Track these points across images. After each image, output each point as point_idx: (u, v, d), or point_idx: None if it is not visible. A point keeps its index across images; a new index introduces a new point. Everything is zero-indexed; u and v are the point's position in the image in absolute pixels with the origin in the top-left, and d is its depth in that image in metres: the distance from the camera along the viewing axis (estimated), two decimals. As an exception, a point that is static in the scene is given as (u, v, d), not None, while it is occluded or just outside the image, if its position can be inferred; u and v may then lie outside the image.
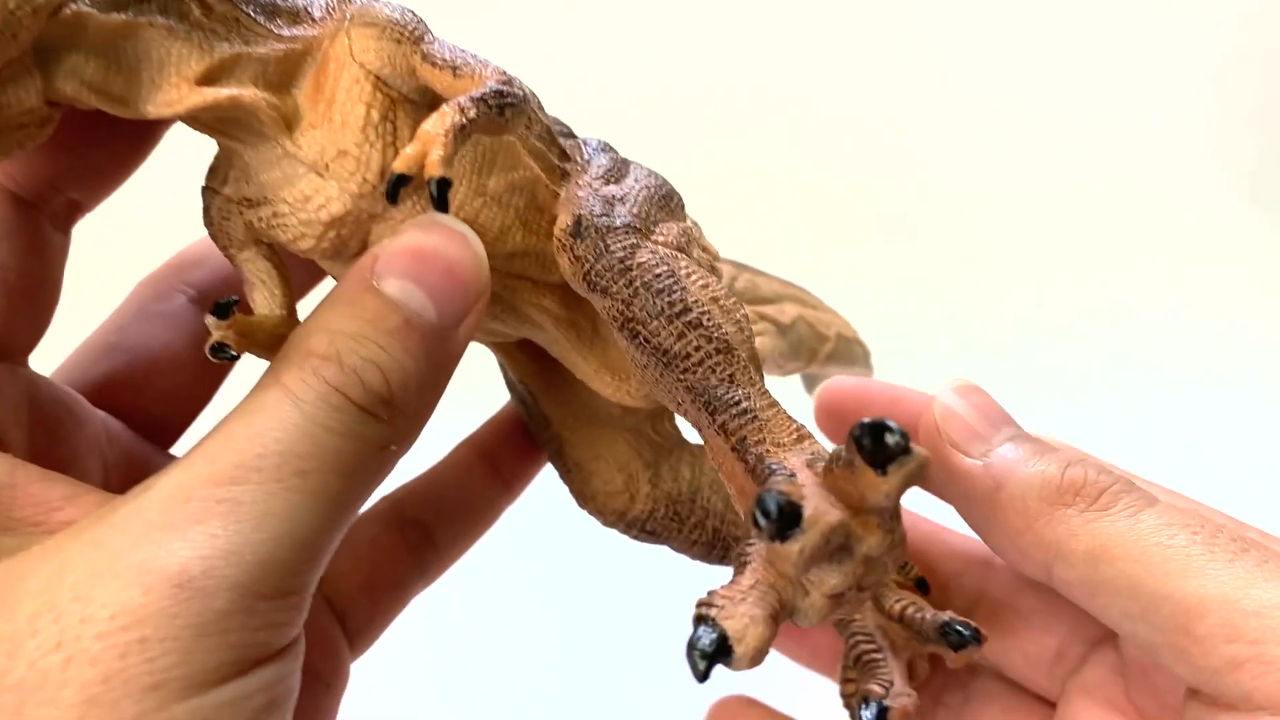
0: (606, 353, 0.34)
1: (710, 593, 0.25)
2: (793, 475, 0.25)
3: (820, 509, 0.23)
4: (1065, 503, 0.29)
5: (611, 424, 0.37)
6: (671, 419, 0.38)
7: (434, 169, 0.24)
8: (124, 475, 0.35)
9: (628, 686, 0.59)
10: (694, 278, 0.30)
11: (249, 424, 0.26)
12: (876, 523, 0.25)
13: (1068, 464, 0.30)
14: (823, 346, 0.46)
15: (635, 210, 0.31)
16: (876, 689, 0.36)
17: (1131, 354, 0.86)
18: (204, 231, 0.31)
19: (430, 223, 0.29)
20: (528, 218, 0.31)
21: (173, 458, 0.35)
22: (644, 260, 0.29)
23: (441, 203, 0.24)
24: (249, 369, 0.31)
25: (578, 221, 0.30)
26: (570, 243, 0.30)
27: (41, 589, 0.24)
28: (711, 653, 0.23)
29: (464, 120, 0.25)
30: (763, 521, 0.23)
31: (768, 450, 0.28)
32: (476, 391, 0.43)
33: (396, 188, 0.25)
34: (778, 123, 0.99)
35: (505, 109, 0.26)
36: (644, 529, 0.37)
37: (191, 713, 0.24)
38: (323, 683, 0.38)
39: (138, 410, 0.36)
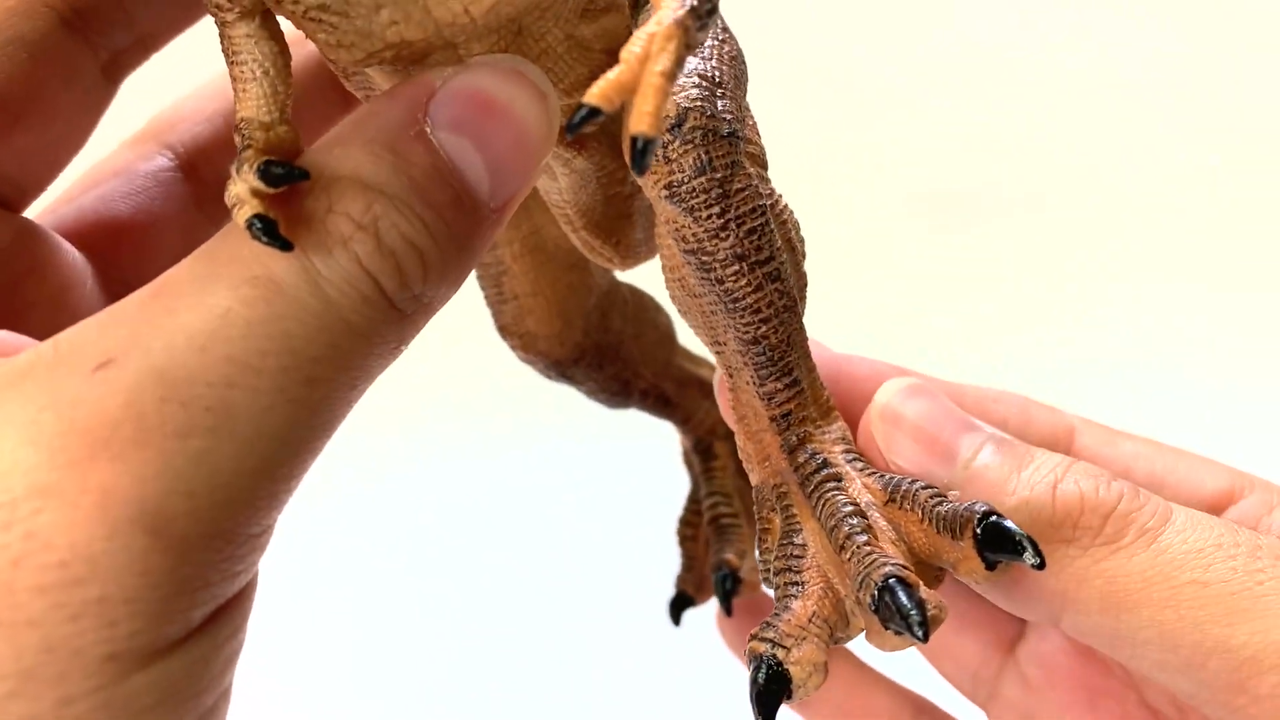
0: (604, 211, 0.30)
1: (767, 625, 0.23)
2: (869, 524, 0.24)
3: (939, 606, 0.22)
4: (1064, 538, 0.24)
5: (559, 260, 0.33)
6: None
7: (643, 124, 0.18)
8: None
9: (626, 684, 0.57)
10: (778, 210, 0.26)
11: (250, 301, 0.20)
12: (934, 575, 0.24)
13: (1054, 484, 0.25)
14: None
15: (734, 108, 0.25)
16: (731, 559, 0.37)
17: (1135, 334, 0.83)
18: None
19: (510, 69, 0.22)
20: (601, 70, 0.25)
21: None
22: (741, 187, 0.25)
23: (642, 168, 0.19)
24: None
25: (682, 115, 0.24)
26: (665, 138, 0.24)
27: None
28: (777, 698, 0.23)
29: (685, 50, 0.19)
30: (897, 622, 0.22)
31: (808, 433, 0.26)
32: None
33: (583, 122, 0.18)
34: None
35: (712, 13, 0.20)
36: (564, 373, 0.35)
37: (155, 683, 0.19)
38: None
39: (116, 282, 0.28)
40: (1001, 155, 0.86)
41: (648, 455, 0.49)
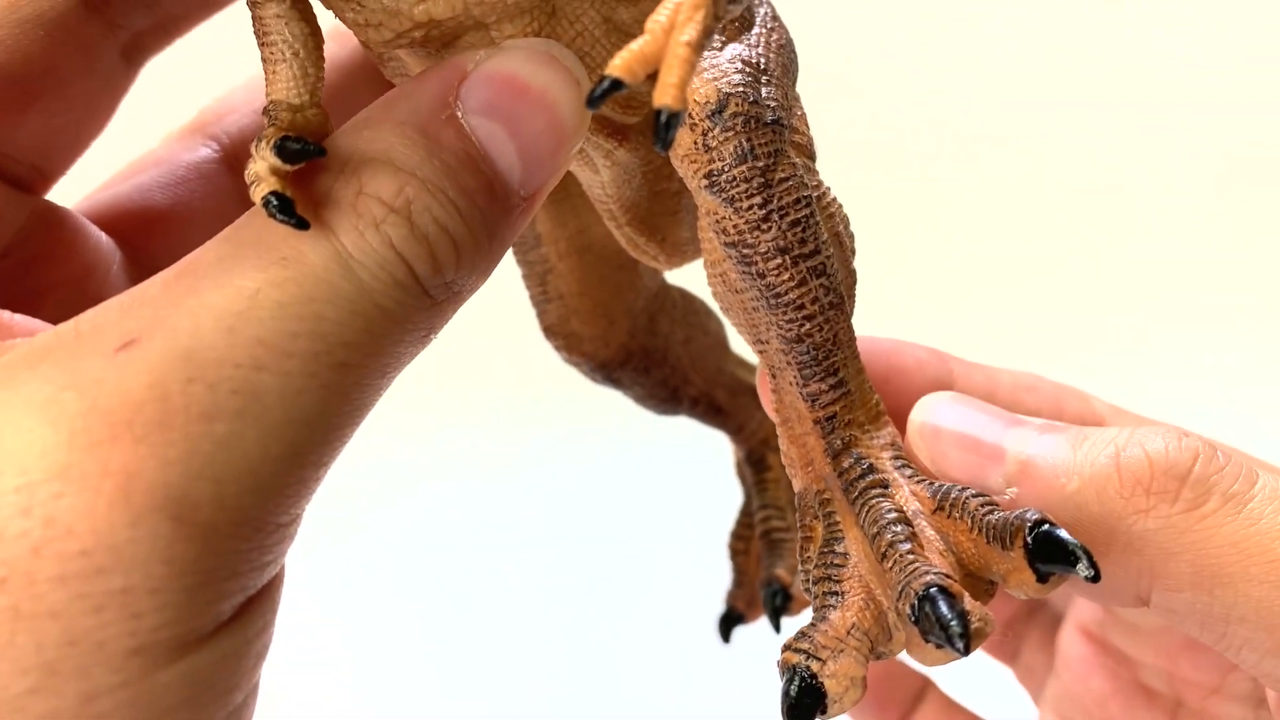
0: (649, 207, 0.29)
1: (803, 634, 0.22)
2: (914, 532, 0.23)
3: (984, 619, 0.21)
4: (1138, 508, 0.22)
5: (606, 260, 0.32)
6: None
7: (667, 96, 0.17)
8: None
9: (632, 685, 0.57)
10: (825, 203, 0.25)
11: (279, 283, 0.19)
12: (984, 588, 0.23)
13: (1116, 454, 0.22)
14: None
15: (779, 95, 0.24)
16: (782, 574, 0.36)
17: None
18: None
19: (543, 53, 0.22)
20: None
21: None
22: (785, 177, 0.24)
23: (666, 142, 0.18)
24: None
25: (724, 102, 0.23)
26: (706, 125, 0.23)
27: None
28: (810, 712, 0.21)
29: (713, 21, 0.18)
30: (936, 634, 0.21)
31: (854, 437, 0.25)
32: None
33: (604, 95, 0.18)
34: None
35: None
36: (609, 376, 0.34)
37: (182, 678, 0.19)
38: None
39: (146, 270, 0.27)
40: (1045, 144, 0.85)
41: (699, 464, 0.48)
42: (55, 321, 0.21)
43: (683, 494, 0.61)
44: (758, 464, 0.38)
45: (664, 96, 0.17)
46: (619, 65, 0.18)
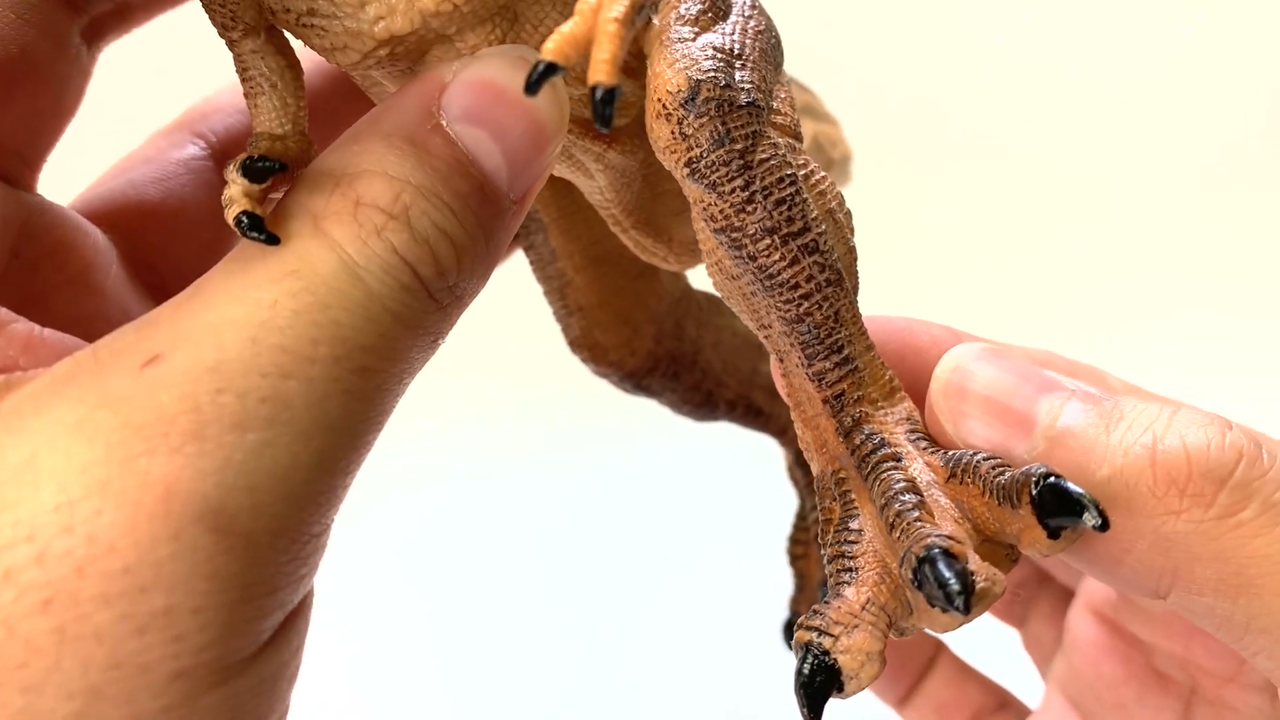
0: (653, 208, 0.29)
1: (816, 611, 0.22)
2: (922, 500, 0.22)
3: (991, 579, 0.20)
4: (1169, 509, 0.20)
5: (623, 269, 0.32)
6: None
7: (600, 73, 0.18)
8: None
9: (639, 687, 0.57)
10: (813, 181, 0.25)
11: (294, 293, 0.19)
12: (1004, 554, 0.22)
13: (1153, 444, 0.21)
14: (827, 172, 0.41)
15: (756, 78, 0.24)
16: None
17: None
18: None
19: (516, 57, 0.22)
20: None
21: None
22: (766, 157, 0.24)
23: (604, 119, 0.18)
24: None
25: (695, 89, 0.23)
26: (680, 114, 0.24)
27: (2, 496, 0.18)
28: (824, 690, 0.21)
29: None
30: (936, 595, 0.20)
31: (865, 414, 0.24)
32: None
33: (541, 80, 0.18)
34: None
35: None
36: (638, 384, 0.34)
37: (223, 702, 0.18)
38: None
39: (141, 266, 0.28)
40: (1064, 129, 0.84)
41: (742, 465, 0.48)
42: (65, 321, 0.22)
43: (726, 496, 0.60)
44: (808, 465, 0.37)
45: (597, 73, 0.18)
46: (551, 49, 0.18)
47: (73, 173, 0.28)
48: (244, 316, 0.19)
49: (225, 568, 0.18)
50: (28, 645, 0.17)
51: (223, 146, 0.30)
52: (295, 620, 0.20)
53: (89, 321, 0.25)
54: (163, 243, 0.28)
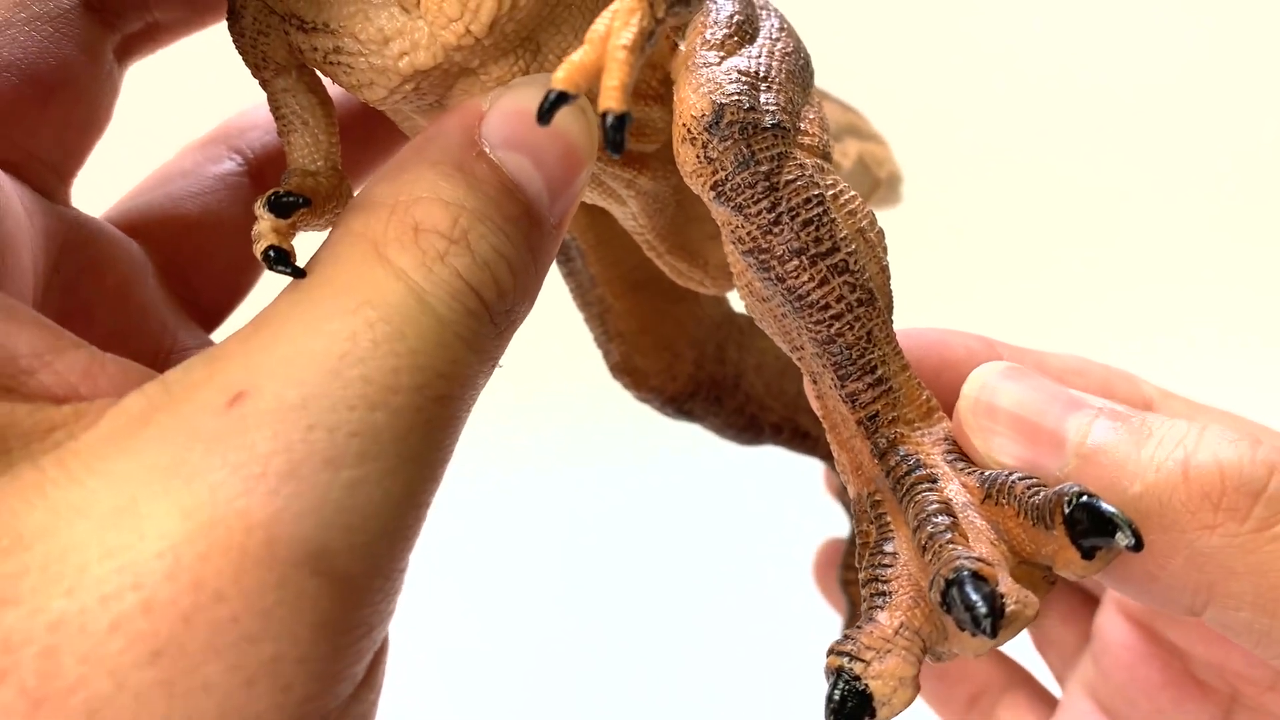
0: (687, 232, 0.29)
1: (848, 636, 0.21)
2: (956, 522, 0.22)
3: (1024, 602, 0.20)
4: (1204, 524, 0.20)
5: (663, 294, 0.32)
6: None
7: (611, 101, 0.18)
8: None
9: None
10: (842, 201, 0.25)
11: (371, 323, 0.19)
12: (1042, 576, 0.22)
13: (1184, 460, 0.21)
14: (873, 193, 0.41)
15: (782, 100, 0.24)
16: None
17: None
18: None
19: (548, 86, 0.22)
20: (639, 76, 0.24)
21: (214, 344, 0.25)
22: (792, 179, 0.24)
23: (616, 145, 0.18)
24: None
25: (719, 112, 0.23)
26: (705, 138, 0.24)
27: (102, 542, 0.17)
28: (856, 717, 0.20)
29: (650, 22, 0.18)
30: (964, 618, 0.20)
31: (900, 435, 0.24)
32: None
33: (553, 109, 0.18)
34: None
35: None
36: (680, 409, 0.34)
37: None
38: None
39: (176, 279, 0.28)
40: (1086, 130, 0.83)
41: (796, 488, 0.47)
42: (105, 335, 0.22)
43: (765, 516, 0.60)
44: None
45: (607, 100, 0.18)
46: (561, 78, 0.18)
47: (91, 186, 0.28)
48: (322, 349, 0.19)
49: (329, 613, 0.18)
50: (138, 699, 0.17)
51: (259, 163, 0.30)
52: (380, 658, 0.20)
53: (128, 335, 0.26)
54: (198, 256, 0.28)
